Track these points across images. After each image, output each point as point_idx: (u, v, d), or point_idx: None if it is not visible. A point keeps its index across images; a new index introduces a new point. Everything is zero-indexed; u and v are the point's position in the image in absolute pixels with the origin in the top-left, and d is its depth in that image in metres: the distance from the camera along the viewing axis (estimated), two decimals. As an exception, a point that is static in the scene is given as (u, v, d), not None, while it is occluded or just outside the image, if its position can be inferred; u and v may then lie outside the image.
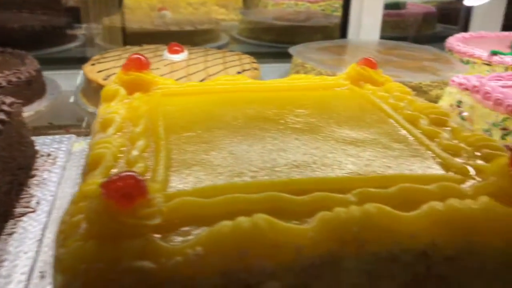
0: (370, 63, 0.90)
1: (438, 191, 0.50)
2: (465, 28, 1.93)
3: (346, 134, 0.65)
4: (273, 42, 1.83)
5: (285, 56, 1.43)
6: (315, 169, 0.54)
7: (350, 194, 0.49)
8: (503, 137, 0.84)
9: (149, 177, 0.51)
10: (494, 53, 1.34)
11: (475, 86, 0.94)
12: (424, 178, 0.53)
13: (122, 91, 0.76)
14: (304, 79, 0.89)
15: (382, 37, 2.08)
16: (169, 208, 0.45)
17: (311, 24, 1.90)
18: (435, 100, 1.10)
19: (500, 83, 0.98)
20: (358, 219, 0.44)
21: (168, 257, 0.40)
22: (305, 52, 1.37)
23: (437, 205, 0.47)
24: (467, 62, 1.42)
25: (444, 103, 1.02)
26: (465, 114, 0.95)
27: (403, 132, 0.67)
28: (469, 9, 1.92)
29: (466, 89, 0.96)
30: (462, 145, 0.62)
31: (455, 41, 1.51)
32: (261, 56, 1.71)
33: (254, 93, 0.81)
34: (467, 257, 0.46)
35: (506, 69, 1.32)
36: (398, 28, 2.17)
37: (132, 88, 0.78)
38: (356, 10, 1.65)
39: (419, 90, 1.15)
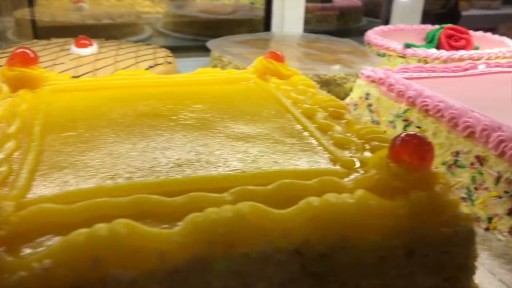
0: (276, 57, 0.89)
1: (318, 186, 0.49)
2: (386, 22, 1.98)
3: (240, 129, 0.63)
4: (197, 36, 1.79)
5: (208, 50, 1.40)
6: (198, 168, 0.52)
7: (227, 193, 0.47)
8: (405, 128, 0.86)
9: (10, 182, 0.47)
10: (408, 45, 1.37)
11: (380, 79, 0.95)
12: (307, 173, 0.52)
13: (5, 88, 0.70)
14: (210, 73, 0.86)
15: (310, 30, 2.11)
16: (20, 218, 0.41)
17: (236, 17, 1.87)
18: (349, 92, 1.11)
19: (406, 75, 1.01)
20: (228, 219, 0.42)
21: (11, 272, 0.36)
22: (224, 46, 1.35)
23: (313, 201, 0.46)
24: (384, 55, 1.45)
25: (355, 95, 1.03)
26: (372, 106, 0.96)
27: (298, 126, 0.66)
28: (390, 3, 1.97)
29: (373, 81, 0.97)
30: (353, 138, 0.62)
31: (373, 34, 1.54)
32: (183, 49, 1.67)
33: (153, 89, 0.78)
34: (341, 252, 0.45)
35: (419, 61, 1.36)
36: (325, 22, 2.20)
37: (16, 84, 0.72)
38: (278, 4, 1.65)
39: (333, 83, 1.16)
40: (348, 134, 0.64)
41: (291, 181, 0.49)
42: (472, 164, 0.71)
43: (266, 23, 1.70)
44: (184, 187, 0.48)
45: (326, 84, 1.16)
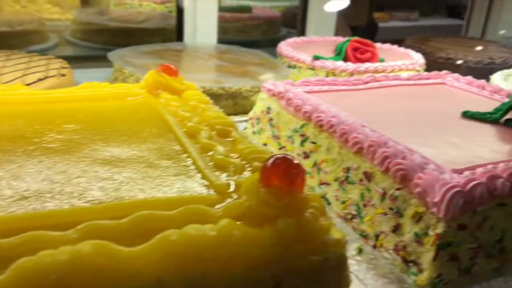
0: (169, 70, 0.84)
1: (180, 216, 0.45)
2: (302, 33, 2.00)
3: (110, 152, 0.58)
4: (107, 45, 1.70)
5: (114, 61, 1.33)
6: (47, 200, 0.46)
7: (72, 230, 0.41)
8: (302, 143, 0.85)
9: None
10: (316, 58, 1.38)
11: (280, 92, 0.94)
12: (173, 202, 0.48)
13: None
14: (94, 88, 0.80)
15: (228, 40, 2.08)
16: None
17: (148, 26, 1.81)
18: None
19: (307, 88, 1.00)
20: (63, 262, 0.37)
21: None
22: (128, 56, 1.28)
23: (170, 234, 0.42)
24: (294, 67, 1.45)
25: (257, 109, 1.01)
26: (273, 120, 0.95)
27: (177, 147, 0.62)
28: (305, 14, 1.99)
29: (274, 95, 0.96)
30: (236, 158, 0.59)
31: (284, 45, 1.54)
32: (89, 60, 1.58)
33: (24, 106, 0.70)
34: (200, 290, 0.42)
35: (328, 73, 1.38)
36: (243, 32, 2.19)
37: None
38: (190, 13, 1.60)
39: (240, 96, 1.14)
40: (232, 154, 0.61)
41: (149, 213, 0.44)
42: (361, 180, 0.71)
43: (178, 33, 1.65)
44: (25, 225, 0.42)
45: (232, 97, 1.13)
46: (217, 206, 0.49)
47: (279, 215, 0.46)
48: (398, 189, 0.65)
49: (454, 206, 0.58)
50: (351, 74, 1.35)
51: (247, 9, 2.29)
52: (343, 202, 0.74)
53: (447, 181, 0.60)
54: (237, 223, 0.45)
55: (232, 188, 0.52)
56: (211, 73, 1.23)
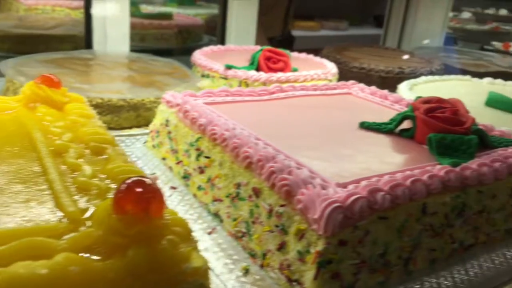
0: (50, 81, 0.78)
1: (13, 252, 0.40)
2: (222, 41, 1.98)
3: (-47, 177, 0.51)
4: (10, 52, 1.58)
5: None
6: None
7: None
8: (197, 158, 0.81)
9: None
10: (228, 67, 1.36)
11: (178, 104, 0.90)
12: (10, 235, 0.43)
13: None
14: (-41, 102, 0.72)
15: (147, 48, 2.02)
16: None
17: (56, 33, 1.70)
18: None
19: (209, 99, 0.97)
20: None
21: None
22: (24, 65, 1.19)
23: (-6, 274, 0.36)
24: (208, 76, 1.42)
25: (157, 122, 0.96)
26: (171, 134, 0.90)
27: (37, 168, 0.56)
28: (224, 23, 1.97)
29: (172, 107, 0.92)
30: (101, 180, 0.54)
31: (199, 54, 1.50)
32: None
33: None
34: None
35: (240, 83, 1.36)
36: (163, 40, 2.13)
37: None
38: (99, 20, 1.53)
39: (142, 107, 1.08)
40: (101, 175, 0.56)
41: (-26, 249, 0.39)
42: (250, 196, 0.68)
43: (86, 40, 1.56)
44: None
45: (135, 108, 1.08)
46: (65, 237, 0.44)
47: (130, 244, 0.42)
48: (282, 205, 0.62)
49: (333, 222, 0.57)
50: (264, 83, 1.34)
51: (168, 16, 2.23)
52: (234, 219, 0.71)
53: (327, 197, 0.58)
54: (80, 256, 0.40)
55: (88, 214, 0.48)
56: (114, 83, 1.17)
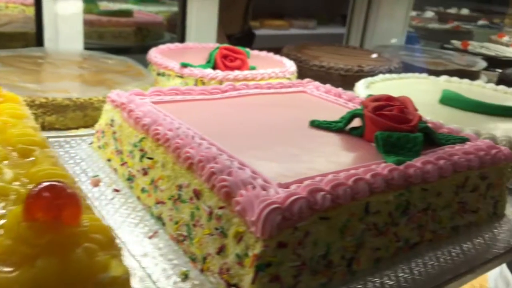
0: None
1: None
2: (182, 39, 1.94)
3: None
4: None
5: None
6: None
7: None
8: (141, 159, 0.79)
9: None
10: (184, 65, 1.33)
11: (123, 103, 0.87)
12: None
13: None
14: None
15: (104, 46, 1.97)
16: None
17: (6, 30, 1.63)
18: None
19: (157, 98, 0.94)
20: None
21: None
22: (-36, 64, 1.13)
23: None
24: (164, 74, 1.38)
25: (102, 122, 0.93)
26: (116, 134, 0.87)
27: (-47, 172, 0.52)
28: (184, 20, 1.93)
29: (117, 106, 0.88)
30: (21, 185, 0.51)
31: (154, 52, 1.46)
32: None
33: None
34: None
35: (197, 81, 1.33)
36: (121, 37, 2.08)
37: None
38: (50, 16, 1.47)
39: (90, 107, 1.04)
40: (24, 179, 0.53)
41: None
42: (191, 198, 0.66)
43: (37, 37, 1.51)
44: None
45: (81, 108, 1.04)
46: (-29, 247, 0.40)
47: (40, 254, 0.39)
48: (221, 207, 0.60)
49: (271, 224, 0.55)
50: (221, 82, 1.31)
51: (127, 14, 2.18)
52: (176, 223, 0.69)
53: (265, 198, 0.57)
54: (-18, 268, 0.37)
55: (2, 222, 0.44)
56: (62, 82, 1.12)
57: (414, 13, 3.92)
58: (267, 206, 0.56)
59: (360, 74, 1.64)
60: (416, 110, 0.86)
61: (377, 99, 0.89)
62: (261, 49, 1.96)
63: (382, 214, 0.67)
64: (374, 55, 1.96)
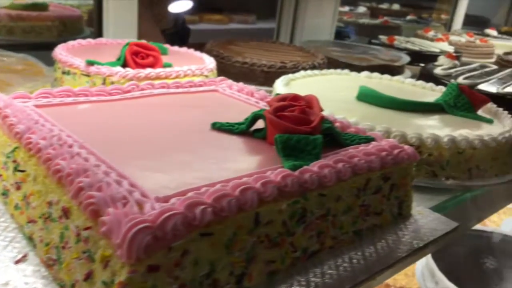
0: None
1: None
2: (99, 34, 1.83)
3: None
4: None
5: None
6: None
7: None
8: (14, 171, 0.70)
9: None
10: (90, 63, 1.23)
11: (-2, 108, 0.78)
12: None
13: None
14: None
15: (14, 42, 1.82)
16: None
17: None
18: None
19: (45, 101, 0.85)
20: None
21: None
22: None
23: None
24: (69, 73, 1.28)
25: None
26: None
27: None
28: (100, 14, 1.82)
29: (-8, 111, 0.79)
30: None
31: (60, 49, 1.35)
32: None
33: None
34: None
35: (104, 80, 1.24)
36: (34, 32, 1.93)
37: None
38: None
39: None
40: None
41: None
42: (60, 217, 0.59)
43: None
44: None
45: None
46: None
47: None
48: (87, 228, 0.54)
49: (138, 246, 0.49)
50: (130, 80, 1.23)
51: (41, 7, 2.03)
52: (47, 244, 0.61)
53: (133, 216, 0.51)
54: None
55: None
56: None
57: (347, 8, 3.98)
58: (134, 225, 0.49)
59: (283, 71, 1.61)
60: (321, 110, 0.83)
61: (282, 98, 0.85)
62: (200, 45, 1.89)
63: (275, 224, 0.62)
64: (301, 51, 1.93)
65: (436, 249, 0.87)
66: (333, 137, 0.80)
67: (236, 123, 0.84)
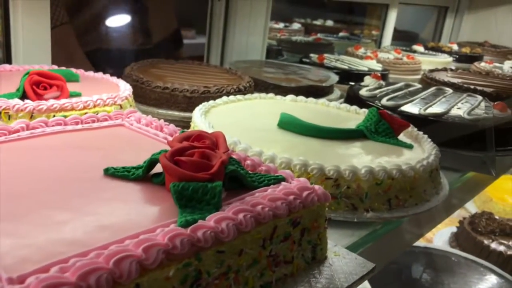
0: None
1: None
2: (8, 59, 1.68)
3: None
4: None
5: None
6: None
7: None
8: None
9: None
10: (-17, 96, 1.11)
11: None
12: None
13: None
14: None
15: None
16: None
17: None
18: None
19: None
20: None
21: None
22: None
23: None
24: (-41, 107, 1.14)
25: None
26: None
27: None
28: (9, 37, 1.67)
29: None
30: None
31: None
32: None
33: None
34: None
35: (0, 114, 1.12)
36: None
37: None
38: None
39: None
40: None
41: None
42: None
43: None
44: None
45: None
46: None
47: None
48: None
49: None
50: (31, 113, 1.12)
51: None
52: None
53: (-34, 313, 0.41)
54: None
55: None
56: None
57: (282, 25, 4.00)
58: (-35, 325, 0.40)
59: (207, 95, 1.54)
60: (227, 149, 0.77)
61: (185, 137, 0.78)
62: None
63: (161, 293, 0.55)
64: (228, 73, 1.88)
65: (353, 293, 0.83)
66: (238, 180, 0.74)
67: (133, 168, 0.76)
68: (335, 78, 2.09)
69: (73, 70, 1.47)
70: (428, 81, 2.28)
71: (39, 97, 1.16)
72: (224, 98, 1.42)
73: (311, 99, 1.55)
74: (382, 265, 1.05)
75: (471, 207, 2.91)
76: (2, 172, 0.72)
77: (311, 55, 2.57)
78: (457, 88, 2.09)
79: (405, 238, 1.08)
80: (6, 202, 0.63)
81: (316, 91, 1.92)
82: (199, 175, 0.67)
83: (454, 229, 2.51)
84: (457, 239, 2.38)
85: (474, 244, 2.20)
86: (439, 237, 2.53)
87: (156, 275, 0.54)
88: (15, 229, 0.57)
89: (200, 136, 0.78)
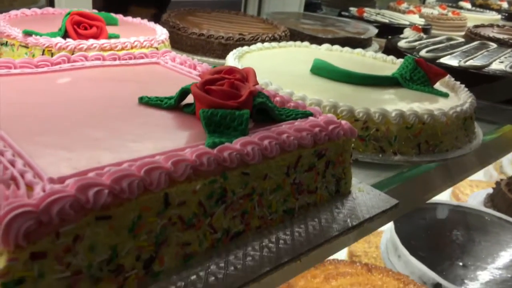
0: None
1: None
2: (51, 3, 1.74)
3: None
4: None
5: None
6: None
7: None
8: None
9: None
10: (28, 33, 1.16)
11: None
12: None
13: None
14: None
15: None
16: None
17: None
18: None
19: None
20: None
21: None
22: None
23: None
24: (7, 44, 1.21)
25: None
26: None
27: None
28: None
29: None
30: None
31: (0, 19, 1.27)
32: None
33: None
34: None
35: (44, 51, 1.17)
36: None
37: None
38: None
39: None
40: None
41: None
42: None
43: None
44: None
45: None
46: None
47: None
48: (-31, 213, 0.49)
49: (17, 231, 0.45)
50: (72, 52, 1.17)
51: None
52: None
53: (13, 200, 0.46)
54: None
55: None
56: None
57: (322, -21, 3.88)
58: (13, 209, 0.45)
59: (242, 43, 1.55)
60: (256, 83, 0.78)
61: (217, 71, 0.80)
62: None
63: (189, 205, 0.59)
64: (264, 23, 1.87)
65: (375, 227, 0.85)
66: (266, 112, 0.76)
67: (166, 98, 0.79)
68: (374, 30, 2.05)
69: (112, 14, 1.50)
70: (472, 36, 2.19)
71: (80, 36, 1.20)
72: (259, 44, 1.43)
73: (346, 49, 1.53)
74: (408, 208, 1.06)
75: (510, 170, 2.84)
76: (46, 98, 0.77)
77: (351, 8, 2.51)
78: (502, 43, 2.00)
79: (434, 184, 1.08)
80: (49, 121, 0.68)
81: (354, 43, 1.88)
82: (228, 103, 0.70)
83: (490, 191, 2.47)
84: (492, 200, 2.34)
85: (510, 205, 2.16)
86: (474, 198, 2.50)
87: (184, 187, 0.57)
88: (56, 142, 0.61)
89: (231, 70, 0.80)
